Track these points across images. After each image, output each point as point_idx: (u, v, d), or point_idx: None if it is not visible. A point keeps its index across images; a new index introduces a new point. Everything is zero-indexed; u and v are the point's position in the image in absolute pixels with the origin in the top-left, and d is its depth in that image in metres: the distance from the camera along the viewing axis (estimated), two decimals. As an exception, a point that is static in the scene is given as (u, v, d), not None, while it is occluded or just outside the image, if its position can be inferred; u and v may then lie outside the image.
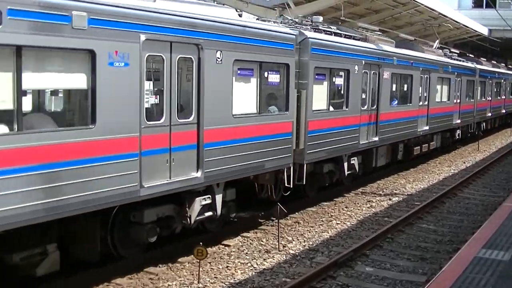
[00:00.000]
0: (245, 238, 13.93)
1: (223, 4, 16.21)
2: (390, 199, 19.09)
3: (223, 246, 13.22)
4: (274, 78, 14.45)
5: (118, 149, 9.93)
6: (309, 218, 16.25)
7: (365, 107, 19.35)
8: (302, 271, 11.69)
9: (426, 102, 25.17)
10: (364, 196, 19.55)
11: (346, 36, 18.58)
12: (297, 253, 12.95)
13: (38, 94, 9.47)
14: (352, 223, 15.88)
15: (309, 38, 15.73)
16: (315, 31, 16.88)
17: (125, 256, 11.46)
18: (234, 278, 11.27)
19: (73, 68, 9.42)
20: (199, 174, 11.82)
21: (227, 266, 11.95)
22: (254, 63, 13.62)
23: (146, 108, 10.50)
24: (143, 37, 10.24)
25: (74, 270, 10.47)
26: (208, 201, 12.41)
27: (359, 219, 16.36)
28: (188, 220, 12.02)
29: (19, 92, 8.43)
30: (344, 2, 25.16)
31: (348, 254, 12.39)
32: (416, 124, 24.06)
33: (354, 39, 19.01)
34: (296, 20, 17.44)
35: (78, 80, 9.47)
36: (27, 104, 8.98)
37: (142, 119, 10.37)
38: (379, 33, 23.01)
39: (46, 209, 8.81)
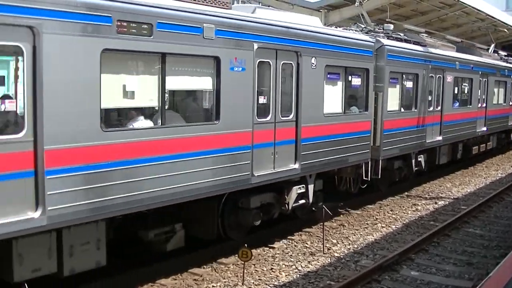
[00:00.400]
0: (290, 240, 13.60)
1: (268, 6, 17.05)
2: (435, 203, 18.56)
3: (268, 248, 12.96)
4: (356, 81, 15.47)
5: (236, 142, 11.12)
6: (354, 221, 15.86)
7: (431, 108, 20.16)
8: (347, 274, 11.34)
9: (485, 104, 25.79)
10: (409, 199, 19.04)
11: (414, 43, 19.44)
12: (341, 256, 12.60)
13: (174, 94, 10.66)
14: (397, 226, 15.41)
15: (386, 45, 16.72)
16: (388, 38, 17.81)
17: (232, 238, 12.57)
18: (279, 280, 11.02)
19: (202, 72, 10.66)
20: (296, 165, 12.91)
21: (272, 268, 11.69)
22: (341, 68, 14.68)
23: (257, 106, 11.63)
24: (255, 46, 11.40)
25: (119, 269, 10.45)
26: (303, 190, 13.49)
27: (404, 222, 15.85)
28: (286, 206, 13.12)
29: (163, 92, 9.68)
30: (390, 3, 24.81)
31: (393, 258, 12.00)
32: (475, 125, 24.72)
33: (420, 45, 19.86)
34: (370, 28, 18.37)
35: (206, 82, 10.72)
36: (167, 102, 10.15)
37: (254, 116, 11.53)
38: (425, 35, 23.23)
39: (183, 192, 10.03)
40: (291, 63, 12.62)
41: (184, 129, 10.16)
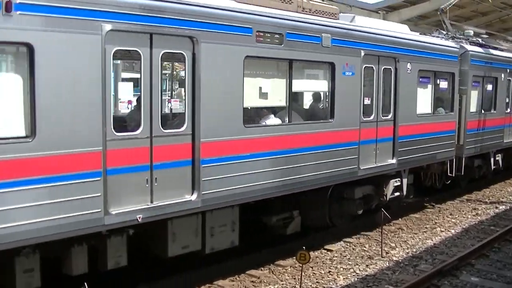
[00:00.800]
0: (348, 243, 13.07)
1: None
2: (496, 207, 17.54)
3: (326, 251, 12.45)
4: (443, 84, 16.11)
5: (346, 138, 11.97)
6: (412, 224, 15.16)
7: (508, 110, 20.49)
8: (406, 278, 10.78)
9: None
10: (469, 203, 18.14)
11: (492, 48, 19.84)
12: (400, 260, 12.01)
13: (297, 95, 11.57)
14: (456, 231, 14.63)
15: (469, 51, 17.28)
16: (470, 44, 18.28)
17: (336, 225, 13.35)
18: (336, 284, 10.54)
19: (320, 76, 11.54)
20: (394, 161, 13.63)
21: (329, 271, 11.19)
22: (430, 72, 15.35)
23: (363, 107, 12.41)
24: (363, 53, 12.21)
25: (178, 270, 10.21)
26: (398, 183, 14.18)
27: (464, 227, 15.05)
28: (385, 197, 13.83)
29: (290, 94, 10.59)
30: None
31: (452, 263, 11.40)
32: (549, 126, 24.74)
33: (497, 49, 20.22)
34: (452, 34, 18.85)
35: (322, 85, 11.63)
36: (292, 102, 11.04)
37: (361, 115, 12.32)
38: (486, 36, 22.98)
39: (303, 182, 10.98)
40: (390, 68, 13.35)
41: (306, 126, 11.07)
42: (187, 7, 8.59)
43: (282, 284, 10.50)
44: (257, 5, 9.99)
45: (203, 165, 8.97)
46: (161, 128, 8.44)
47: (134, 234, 8.87)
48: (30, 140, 7.03)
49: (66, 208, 7.41)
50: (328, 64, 11.41)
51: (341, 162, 11.83)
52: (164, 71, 8.67)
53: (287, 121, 10.63)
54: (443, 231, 14.64)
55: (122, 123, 8.30)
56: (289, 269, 11.19)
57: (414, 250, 12.81)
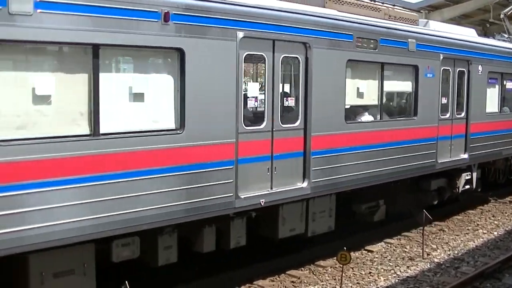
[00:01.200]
0: (388, 244, 12.77)
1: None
2: None
3: (366, 252, 12.18)
4: (509, 85, 16.76)
5: (427, 134, 12.75)
6: (454, 226, 14.71)
7: None
8: (447, 280, 10.43)
9: None
10: None
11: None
12: (441, 262, 11.66)
13: (386, 94, 12.37)
14: (499, 233, 14.15)
15: (531, 53, 17.78)
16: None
17: (412, 215, 14.07)
18: (377, 285, 10.28)
19: (406, 77, 12.35)
20: (466, 155, 14.34)
21: (370, 272, 10.93)
22: (498, 74, 16.00)
23: (440, 106, 13.15)
24: (441, 56, 12.99)
25: (217, 269, 10.24)
26: (469, 177, 14.85)
27: (507, 229, 14.54)
28: (457, 190, 14.52)
29: (381, 93, 11.46)
30: (494, 3, 23.18)
31: (495, 265, 11.08)
32: None
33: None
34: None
35: (407, 86, 12.41)
36: (383, 101, 11.88)
37: (439, 114, 13.05)
38: None
39: (392, 173, 11.85)
40: (463, 70, 14.06)
41: (394, 122, 11.91)
42: (303, 17, 9.53)
43: (323, 284, 10.33)
44: (353, 14, 10.84)
45: (312, 157, 9.85)
46: (280, 123, 9.34)
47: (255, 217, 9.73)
48: (180, 132, 7.98)
49: (207, 191, 8.37)
50: (413, 66, 12.21)
51: (422, 156, 12.61)
52: (282, 73, 9.56)
53: (379, 118, 11.44)
54: (485, 233, 14.23)
55: (250, 118, 9.21)
56: (330, 270, 11.00)
57: (456, 252, 12.47)
